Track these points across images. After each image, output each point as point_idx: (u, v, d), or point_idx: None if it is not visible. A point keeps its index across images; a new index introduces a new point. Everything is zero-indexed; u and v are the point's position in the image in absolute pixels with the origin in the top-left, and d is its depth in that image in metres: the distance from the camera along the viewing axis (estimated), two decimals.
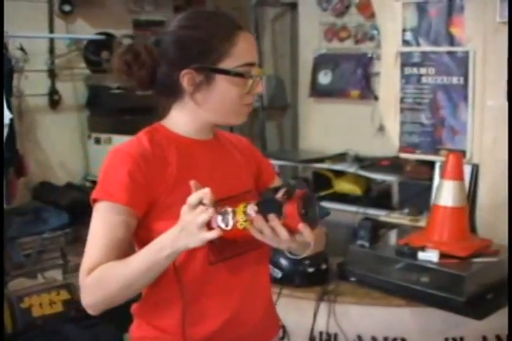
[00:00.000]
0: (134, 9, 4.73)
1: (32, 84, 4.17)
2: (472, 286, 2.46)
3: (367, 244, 2.76)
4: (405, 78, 3.25)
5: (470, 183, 3.02)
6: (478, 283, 2.50)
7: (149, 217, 1.52)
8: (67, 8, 4.34)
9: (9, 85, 3.75)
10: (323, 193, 4.07)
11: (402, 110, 3.29)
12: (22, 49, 4.04)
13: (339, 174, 4.04)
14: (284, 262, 2.68)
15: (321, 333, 2.64)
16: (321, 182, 4.16)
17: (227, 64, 1.53)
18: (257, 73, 1.57)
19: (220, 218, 1.40)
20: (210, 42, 1.53)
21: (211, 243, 1.43)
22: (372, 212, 3.59)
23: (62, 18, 4.36)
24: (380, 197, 3.83)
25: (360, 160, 3.99)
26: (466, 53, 3.04)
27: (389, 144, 3.48)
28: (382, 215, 3.38)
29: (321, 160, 4.09)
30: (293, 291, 2.66)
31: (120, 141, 4.62)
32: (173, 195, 1.51)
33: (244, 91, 1.56)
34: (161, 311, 1.60)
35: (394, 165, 3.69)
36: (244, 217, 1.39)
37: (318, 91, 4.39)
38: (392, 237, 2.97)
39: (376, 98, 3.93)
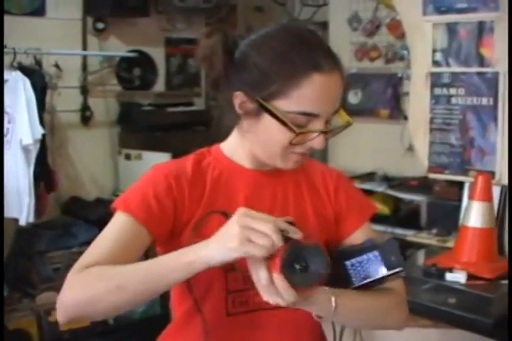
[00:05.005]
0: (166, 27, 4.79)
1: (64, 101, 4.23)
2: (500, 308, 2.44)
3: None
4: (435, 99, 3.24)
5: (499, 204, 3.00)
6: (505, 305, 2.48)
7: (168, 246, 1.39)
8: (100, 25, 4.42)
9: (42, 101, 3.81)
10: None
11: (431, 130, 3.27)
12: (57, 66, 4.10)
13: (367, 193, 4.03)
14: None
15: None
16: None
17: (281, 104, 1.32)
18: (318, 127, 1.34)
19: None
20: (270, 75, 1.32)
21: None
22: (400, 231, 3.57)
23: (95, 35, 4.44)
24: (408, 217, 3.81)
25: (388, 180, 3.98)
26: (496, 74, 3.02)
27: (418, 164, 3.46)
28: (409, 235, 3.35)
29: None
30: None
31: (150, 157, 4.69)
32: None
33: (295, 139, 1.34)
34: None
35: (422, 185, 3.68)
36: None
37: (348, 111, 4.32)
38: (420, 257, 2.96)
39: (406, 118, 3.92)
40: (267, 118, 1.34)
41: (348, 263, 1.42)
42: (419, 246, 3.13)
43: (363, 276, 1.41)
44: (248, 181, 1.47)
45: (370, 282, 1.41)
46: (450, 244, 3.05)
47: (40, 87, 3.78)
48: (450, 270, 2.62)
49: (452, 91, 3.20)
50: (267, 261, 1.21)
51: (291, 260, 1.20)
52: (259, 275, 1.21)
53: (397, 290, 1.50)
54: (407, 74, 3.93)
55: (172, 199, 1.39)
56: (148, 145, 4.27)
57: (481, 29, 3.05)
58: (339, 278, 1.40)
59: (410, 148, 3.85)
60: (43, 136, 3.70)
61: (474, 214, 2.70)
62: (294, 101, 1.31)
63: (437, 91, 3.25)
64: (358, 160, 4.31)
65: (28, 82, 3.64)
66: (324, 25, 4.76)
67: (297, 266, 1.21)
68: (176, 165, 1.47)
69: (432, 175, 3.39)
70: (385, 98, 4.18)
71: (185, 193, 1.41)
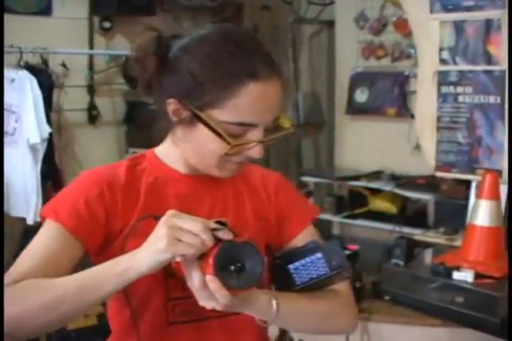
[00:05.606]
0: (172, 26, 4.78)
1: (71, 100, 4.24)
2: (507, 307, 2.44)
3: (402, 263, 2.75)
4: (442, 97, 3.23)
5: (506, 203, 2.99)
6: None
7: (103, 256, 1.30)
8: (107, 25, 4.42)
9: (49, 100, 3.81)
10: (358, 211, 4.07)
11: (438, 129, 3.27)
12: (64, 65, 4.11)
13: (375, 192, 4.03)
14: None
15: None
16: (357, 199, 4.15)
17: (216, 114, 1.24)
18: (255, 137, 1.27)
19: None
20: (203, 84, 1.24)
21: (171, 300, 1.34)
22: (407, 230, 3.57)
23: (102, 34, 4.44)
24: (415, 216, 3.81)
25: (396, 179, 3.98)
26: (503, 72, 3.02)
27: (425, 163, 3.46)
28: (417, 234, 3.35)
29: (356, 177, 4.09)
30: None
31: None
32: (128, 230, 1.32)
33: (231, 150, 1.27)
34: None
35: (430, 183, 3.68)
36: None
37: (355, 109, 4.39)
38: (427, 256, 2.95)
39: (413, 116, 3.92)
40: (201, 127, 1.26)
41: (291, 266, 1.37)
42: (427, 245, 3.12)
43: (307, 279, 1.36)
44: (184, 187, 1.40)
45: (313, 283, 1.36)
46: (457, 242, 3.05)
47: (47, 86, 3.79)
48: (457, 269, 2.61)
49: (459, 89, 3.19)
50: (200, 263, 1.16)
51: (225, 261, 1.15)
52: (192, 278, 1.16)
53: (342, 293, 1.44)
54: (414, 72, 3.92)
55: (104, 206, 1.32)
56: (155, 145, 4.26)
57: (489, 27, 3.04)
58: (283, 282, 1.36)
59: (417, 147, 3.85)
60: (50, 135, 3.71)
61: (482, 213, 2.69)
62: (229, 111, 1.24)
63: (444, 89, 3.24)
64: (364, 158, 4.30)
65: (34, 81, 3.65)
66: (331, 24, 4.76)
67: (232, 267, 1.15)
68: (108, 170, 1.39)
69: (440, 174, 3.39)
70: (391, 96, 4.18)
71: (118, 200, 1.34)
